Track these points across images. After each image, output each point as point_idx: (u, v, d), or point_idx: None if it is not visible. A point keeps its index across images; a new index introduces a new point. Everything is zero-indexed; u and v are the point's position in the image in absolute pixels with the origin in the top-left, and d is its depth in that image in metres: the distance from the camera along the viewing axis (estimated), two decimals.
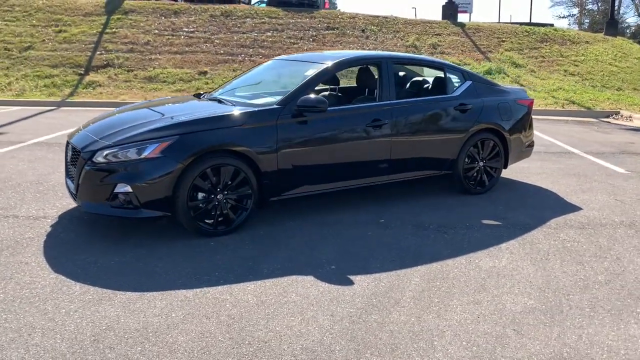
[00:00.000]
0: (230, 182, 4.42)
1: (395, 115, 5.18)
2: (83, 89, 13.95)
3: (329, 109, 4.85)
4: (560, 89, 15.64)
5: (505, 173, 6.78)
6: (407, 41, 17.89)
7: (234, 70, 15.14)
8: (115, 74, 14.69)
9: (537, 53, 18.53)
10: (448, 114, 5.55)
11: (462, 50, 17.89)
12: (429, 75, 6.18)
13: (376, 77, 5.38)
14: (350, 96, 5.86)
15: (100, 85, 14.14)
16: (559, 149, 8.62)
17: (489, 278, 3.80)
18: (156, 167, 4.15)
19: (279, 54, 16.14)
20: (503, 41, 18.90)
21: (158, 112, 4.79)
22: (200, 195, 4.35)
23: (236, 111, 4.60)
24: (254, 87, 5.60)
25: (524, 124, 6.13)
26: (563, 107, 13.66)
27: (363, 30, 18.14)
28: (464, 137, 5.61)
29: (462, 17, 26.05)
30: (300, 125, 4.72)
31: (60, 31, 16.50)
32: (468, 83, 5.80)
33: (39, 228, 4.54)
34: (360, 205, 5.36)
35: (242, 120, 4.49)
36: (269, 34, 17.27)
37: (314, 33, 17.63)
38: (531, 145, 6.38)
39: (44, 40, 16.05)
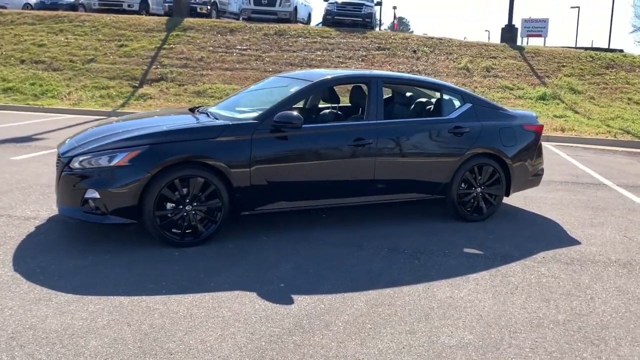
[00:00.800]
0: (199, 194, 4.48)
1: (381, 135, 5.08)
2: (135, 100, 14.62)
3: (307, 126, 4.85)
4: (619, 117, 14.78)
5: (516, 201, 6.47)
6: (460, 63, 17.55)
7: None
8: (166, 87, 15.31)
9: (600, 79, 17.64)
10: (441, 136, 5.37)
11: (517, 74, 17.34)
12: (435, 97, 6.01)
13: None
14: (346, 114, 5.82)
15: (151, 98, 14.77)
16: (590, 179, 8.12)
17: (438, 308, 3.62)
18: (124, 175, 4.28)
19: None
20: (563, 66, 18.15)
21: (142, 123, 4.94)
22: (169, 205, 4.43)
23: (210, 124, 4.67)
24: (248, 102, 5.66)
25: (530, 150, 5.84)
26: (615, 137, 12.88)
27: (415, 51, 17.98)
28: (459, 161, 5.40)
29: (535, 41, 25.29)
30: (279, 141, 4.73)
31: (121, 45, 17.43)
32: (467, 106, 5.60)
33: (24, 228, 4.77)
34: (345, 224, 5.27)
35: (215, 134, 4.54)
36: (318, 53, 17.47)
37: (364, 53, 17.66)
38: (539, 173, 6.05)
39: (105, 53, 17.00)
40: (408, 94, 6.18)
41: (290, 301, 3.61)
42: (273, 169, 4.70)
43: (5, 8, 21.71)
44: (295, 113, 4.70)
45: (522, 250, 4.83)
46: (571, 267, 4.48)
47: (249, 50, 17.42)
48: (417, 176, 5.28)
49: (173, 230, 4.47)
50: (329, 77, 5.25)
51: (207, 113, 5.24)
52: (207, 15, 21.47)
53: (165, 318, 3.31)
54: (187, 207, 4.46)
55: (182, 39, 17.92)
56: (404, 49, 18.17)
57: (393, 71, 16.28)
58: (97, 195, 4.28)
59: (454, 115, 5.52)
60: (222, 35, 18.29)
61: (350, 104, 6.00)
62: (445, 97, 5.64)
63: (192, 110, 5.64)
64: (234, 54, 17.09)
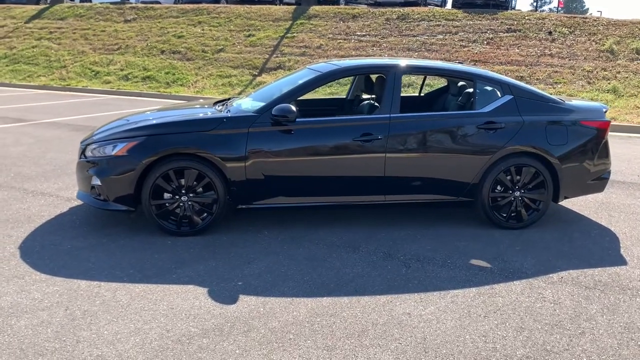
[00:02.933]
0: (194, 186, 4.55)
1: (393, 130, 4.70)
2: (251, 88, 15.28)
3: (307, 119, 4.68)
4: None
5: (588, 206, 5.61)
6: (603, 45, 15.55)
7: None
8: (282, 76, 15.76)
9: None
10: (467, 132, 4.81)
11: None
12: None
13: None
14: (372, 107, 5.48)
15: None
16: None
17: (382, 325, 3.28)
18: (121, 164, 4.49)
19: (445, 58, 15.51)
20: None
21: (162, 115, 5.13)
22: (166, 195, 4.57)
23: (206, 117, 4.70)
24: (269, 94, 5.57)
25: (589, 150, 4.98)
26: None
27: (550, 33, 16.32)
28: (489, 160, 4.80)
29: None
30: (280, 135, 4.61)
31: (249, 35, 18.27)
32: (506, 98, 4.93)
33: (61, 207, 5.25)
34: (353, 224, 5.00)
35: (210, 126, 4.56)
36: (439, 37, 16.67)
37: (491, 35, 16.46)
38: (603, 177, 5.14)
39: (234, 43, 17.97)
40: (451, 85, 5.63)
41: (232, 301, 3.53)
42: (272, 162, 4.60)
43: (159, 3, 23.93)
44: (290, 107, 4.53)
45: (542, 266, 4.18)
46: (589, 292, 3.77)
47: (367, 36, 17.20)
48: (438, 175, 4.79)
49: (170, 219, 4.61)
50: (336, 68, 4.97)
51: (226, 104, 5.28)
52: (336, 2, 21.59)
53: (103, 305, 3.43)
54: (183, 198, 4.56)
55: (305, 27, 18.26)
56: (538, 30, 16.57)
57: (432, 59, 15.00)
58: (99, 182, 4.55)
59: (487, 108, 4.90)
60: (344, 22, 18.28)
61: (374, 96, 5.63)
62: (480, 88, 5.02)
63: (219, 102, 5.67)
64: (352, 41, 17.00)
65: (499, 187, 4.93)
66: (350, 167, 4.70)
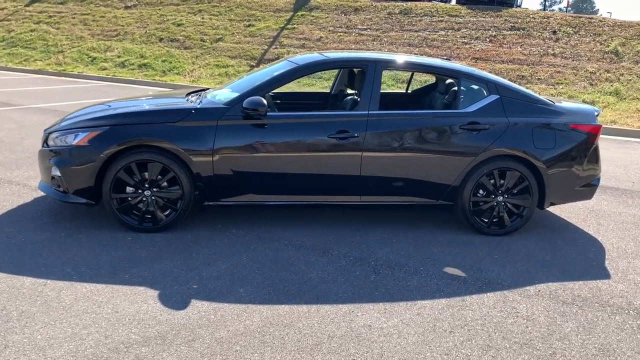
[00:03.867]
0: (158, 180, 4.32)
1: (370, 127, 4.46)
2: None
3: (277, 114, 4.46)
4: None
5: (576, 213, 5.36)
6: (607, 46, 15.23)
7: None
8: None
9: None
10: (448, 132, 4.57)
11: None
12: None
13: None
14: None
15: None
16: None
17: (338, 338, 3.05)
18: (82, 155, 4.26)
19: (445, 54, 15.21)
20: None
21: (127, 104, 4.89)
22: (128, 189, 4.34)
23: (173, 107, 4.47)
24: (246, 85, 5.33)
25: (578, 155, 4.73)
26: None
27: (554, 32, 16.00)
28: (471, 163, 4.56)
29: None
30: (252, 129, 4.38)
31: (249, 25, 18.00)
32: (492, 98, 4.68)
33: (18, 196, 5.04)
34: (327, 225, 4.77)
35: (176, 117, 4.33)
36: (442, 32, 16.36)
37: (494, 33, 16.14)
38: (592, 184, 4.89)
39: (233, 33, 17.70)
40: (439, 82, 5.37)
41: (182, 306, 3.31)
42: (241, 158, 4.36)
43: None
44: (262, 99, 4.29)
45: (520, 277, 3.94)
46: (565, 307, 3.53)
47: (368, 30, 16.91)
48: (416, 176, 4.56)
49: (132, 214, 4.38)
50: (313, 61, 4.73)
51: (200, 94, 5.04)
52: None
53: (43, 306, 3.21)
54: (146, 193, 4.34)
55: (306, 18, 17.98)
56: (542, 29, 16.24)
57: (417, 55, 14.69)
58: (58, 173, 4.33)
59: (471, 108, 4.65)
60: (346, 14, 17.99)
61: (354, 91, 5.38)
62: (466, 86, 4.77)
63: (196, 92, 5.44)
64: (353, 34, 16.71)
65: (481, 191, 4.68)
66: (324, 165, 4.47)
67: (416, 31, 16.60)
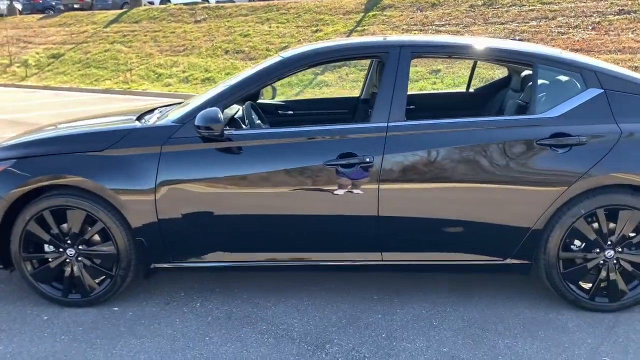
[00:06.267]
0: (82, 235, 3.01)
1: (391, 147, 2.87)
2: (310, 88, 13.75)
3: (260, 131, 3.06)
4: None
5: None
6: None
7: (467, 68, 12.81)
8: (346, 74, 14.06)
9: None
10: (518, 151, 2.87)
11: None
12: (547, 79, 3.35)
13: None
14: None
15: (327, 85, 13.73)
16: None
17: None
18: None
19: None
20: None
21: (70, 125, 3.64)
22: (47, 247, 3.07)
23: (102, 130, 3.14)
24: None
25: None
26: None
27: None
28: (559, 199, 2.83)
29: None
30: (215, 154, 2.96)
31: (316, 31, 16.75)
32: (592, 93, 2.91)
33: None
34: (341, 299, 3.22)
35: (104, 144, 2.98)
36: (533, 23, 14.15)
37: (597, 19, 13.70)
38: None
39: (300, 40, 16.51)
40: (512, 76, 3.66)
41: None
42: (198, 198, 2.94)
43: (233, 1, 23.11)
44: (217, 113, 2.84)
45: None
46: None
47: (447, 26, 15.03)
48: (467, 221, 2.89)
49: (54, 283, 3.10)
50: (300, 52, 3.21)
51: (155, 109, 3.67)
52: None
53: None
54: (68, 251, 3.04)
55: (377, 19, 16.43)
56: None
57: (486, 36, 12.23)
58: None
59: (556, 111, 2.91)
60: (422, 11, 16.22)
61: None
62: (547, 77, 3.02)
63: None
64: (429, 32, 14.92)
65: (576, 242, 2.93)
66: (322, 206, 2.94)
67: (502, 23, 14.52)
